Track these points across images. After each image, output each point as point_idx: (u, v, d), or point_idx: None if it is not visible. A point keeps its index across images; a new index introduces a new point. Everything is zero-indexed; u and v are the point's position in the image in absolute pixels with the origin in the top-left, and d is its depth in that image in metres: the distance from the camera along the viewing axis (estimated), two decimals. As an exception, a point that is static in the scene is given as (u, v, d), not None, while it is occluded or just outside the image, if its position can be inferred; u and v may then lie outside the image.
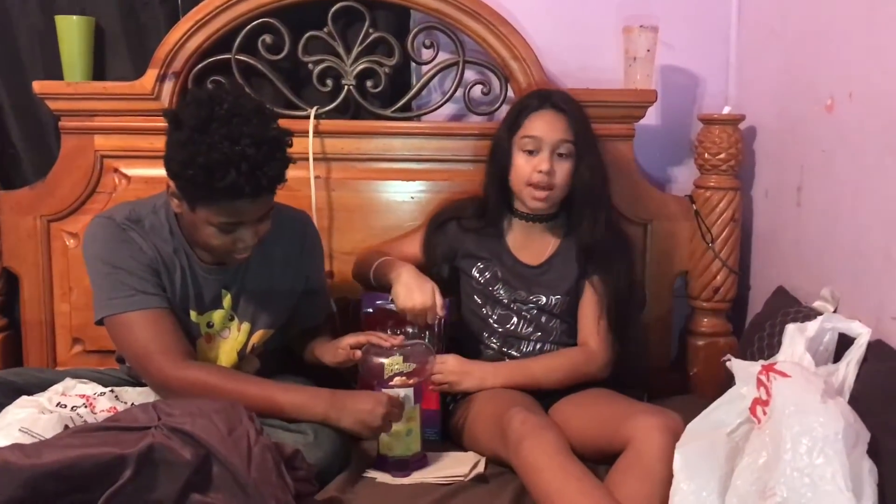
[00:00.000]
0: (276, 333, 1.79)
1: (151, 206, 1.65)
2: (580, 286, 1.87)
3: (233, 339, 1.71)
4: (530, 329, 1.87)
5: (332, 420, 1.55)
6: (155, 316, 1.57)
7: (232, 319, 1.71)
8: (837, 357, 1.47)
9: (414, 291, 1.74)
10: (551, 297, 1.86)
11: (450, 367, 1.78)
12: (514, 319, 1.87)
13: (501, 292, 1.87)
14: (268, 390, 1.56)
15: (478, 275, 1.89)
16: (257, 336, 1.74)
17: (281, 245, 1.72)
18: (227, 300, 1.69)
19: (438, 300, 1.74)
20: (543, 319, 1.87)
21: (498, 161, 1.86)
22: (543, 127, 1.80)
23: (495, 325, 1.88)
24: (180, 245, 1.64)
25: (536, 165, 1.78)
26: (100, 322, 1.61)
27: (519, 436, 1.52)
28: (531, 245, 1.90)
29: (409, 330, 1.78)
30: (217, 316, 1.69)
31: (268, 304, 1.73)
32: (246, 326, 1.72)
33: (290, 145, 1.53)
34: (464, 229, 1.91)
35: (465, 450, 1.74)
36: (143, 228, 1.62)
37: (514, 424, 1.55)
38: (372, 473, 1.59)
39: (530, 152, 1.79)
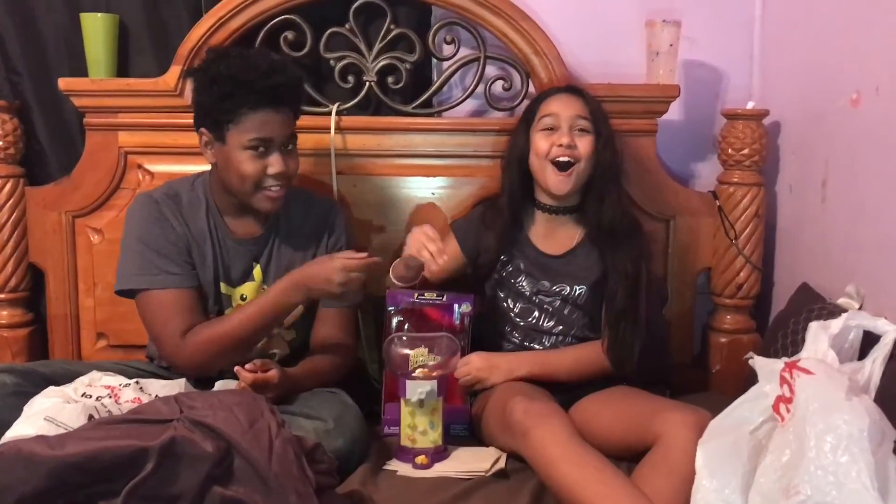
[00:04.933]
0: (307, 315, 1.81)
1: (190, 183, 1.80)
2: (604, 279, 1.85)
3: None
4: (552, 323, 1.86)
5: (310, 298, 1.69)
6: (173, 295, 1.69)
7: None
8: (863, 355, 1.45)
9: (415, 233, 1.80)
10: (575, 286, 1.85)
11: (476, 365, 1.78)
12: (536, 313, 1.86)
13: (524, 284, 1.87)
14: (250, 306, 1.68)
15: (500, 268, 1.89)
16: None
17: (309, 222, 1.83)
18: (257, 272, 1.77)
19: (434, 233, 1.78)
20: (566, 311, 1.86)
21: (517, 148, 1.87)
22: (560, 105, 1.84)
23: (517, 320, 1.87)
24: (213, 218, 1.76)
25: (556, 141, 1.80)
26: (119, 291, 1.74)
27: (524, 427, 1.52)
28: (554, 235, 1.90)
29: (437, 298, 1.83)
30: (249, 289, 1.77)
31: None
32: None
33: (300, 75, 1.77)
34: (485, 226, 1.90)
35: (487, 445, 1.74)
36: (180, 203, 1.75)
37: (517, 416, 1.54)
38: (393, 465, 1.60)
39: (550, 129, 1.82)
